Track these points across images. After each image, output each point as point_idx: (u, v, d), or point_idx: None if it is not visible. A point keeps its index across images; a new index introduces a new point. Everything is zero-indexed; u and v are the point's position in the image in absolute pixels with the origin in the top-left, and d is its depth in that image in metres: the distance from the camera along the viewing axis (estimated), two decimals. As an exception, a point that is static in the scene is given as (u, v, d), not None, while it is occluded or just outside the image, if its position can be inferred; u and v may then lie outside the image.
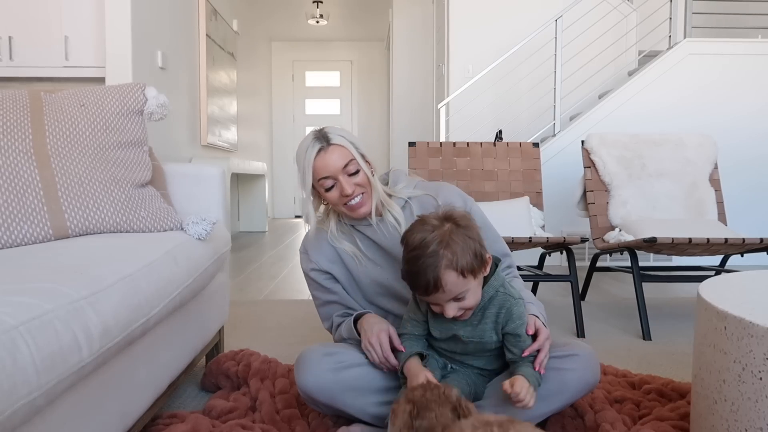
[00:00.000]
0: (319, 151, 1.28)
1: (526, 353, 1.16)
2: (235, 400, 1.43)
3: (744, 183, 3.91)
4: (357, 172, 1.30)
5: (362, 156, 1.32)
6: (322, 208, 1.40)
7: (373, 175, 1.33)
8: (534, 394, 1.10)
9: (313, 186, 1.31)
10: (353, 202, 1.30)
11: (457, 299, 1.11)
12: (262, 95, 7.84)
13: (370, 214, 1.34)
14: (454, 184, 1.51)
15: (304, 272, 1.43)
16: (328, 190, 1.29)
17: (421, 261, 1.09)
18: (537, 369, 1.15)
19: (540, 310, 1.29)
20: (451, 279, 1.08)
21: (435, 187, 1.42)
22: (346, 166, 1.28)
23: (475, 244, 1.11)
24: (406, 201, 1.39)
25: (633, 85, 4.01)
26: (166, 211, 1.46)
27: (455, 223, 1.12)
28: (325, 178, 1.28)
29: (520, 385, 1.08)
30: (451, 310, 1.12)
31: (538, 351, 1.17)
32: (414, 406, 0.95)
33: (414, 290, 1.15)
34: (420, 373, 1.15)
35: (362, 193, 1.31)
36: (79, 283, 0.90)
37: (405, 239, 1.14)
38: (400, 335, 1.26)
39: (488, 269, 1.16)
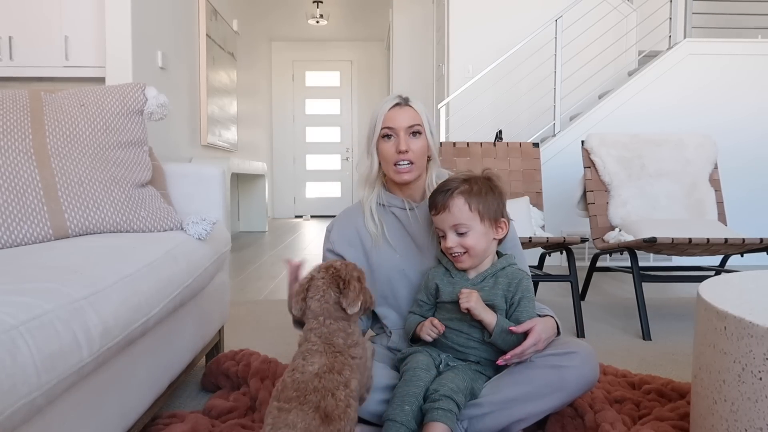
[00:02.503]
0: (395, 105, 1.38)
1: (507, 356, 1.20)
2: (235, 400, 1.43)
3: (744, 183, 3.91)
4: (419, 135, 1.37)
5: (431, 132, 1.40)
6: (373, 172, 1.43)
7: (435, 151, 1.42)
8: (477, 300, 1.19)
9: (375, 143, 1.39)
10: (402, 165, 1.36)
11: (459, 233, 1.24)
12: (262, 95, 7.84)
13: (410, 187, 1.41)
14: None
15: (323, 252, 1.50)
16: (385, 137, 1.37)
17: (444, 183, 1.28)
18: (508, 357, 1.20)
19: (552, 314, 1.34)
20: (459, 203, 1.24)
21: None
22: (411, 126, 1.37)
23: (495, 198, 1.27)
24: None
25: (633, 85, 4.01)
26: (166, 211, 1.46)
27: (488, 177, 1.29)
28: (389, 128, 1.36)
29: (471, 294, 1.19)
30: (452, 240, 1.25)
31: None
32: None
33: (430, 211, 1.30)
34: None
35: (412, 162, 1.37)
36: (79, 283, 0.90)
37: None
38: (409, 313, 1.36)
39: (501, 233, 1.28)
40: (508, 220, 1.32)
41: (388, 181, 1.46)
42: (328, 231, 1.50)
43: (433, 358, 1.26)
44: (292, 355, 1.07)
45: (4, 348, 0.67)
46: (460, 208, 1.24)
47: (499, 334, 1.20)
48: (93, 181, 1.36)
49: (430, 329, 1.25)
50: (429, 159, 1.43)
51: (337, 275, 1.11)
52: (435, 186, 1.40)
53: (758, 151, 3.98)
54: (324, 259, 1.48)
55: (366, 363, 1.12)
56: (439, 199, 1.27)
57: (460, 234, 1.25)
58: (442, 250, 1.31)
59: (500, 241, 1.32)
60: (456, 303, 1.24)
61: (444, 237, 1.27)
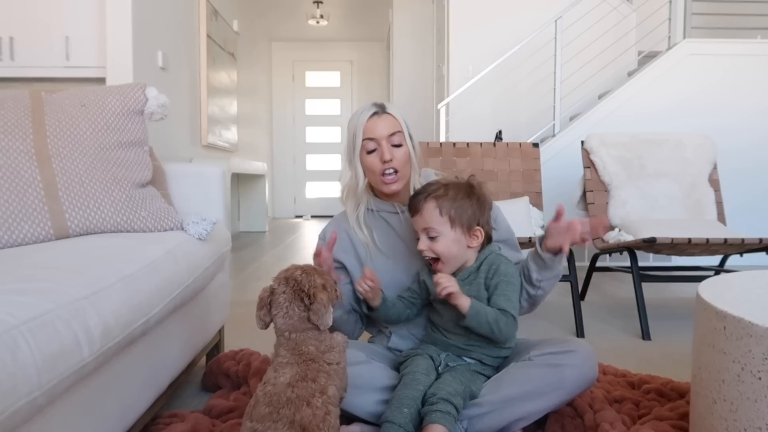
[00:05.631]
0: (373, 114, 1.37)
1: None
2: (236, 400, 1.43)
3: (743, 183, 3.91)
4: (400, 146, 1.37)
5: (410, 136, 1.40)
6: (360, 185, 1.42)
7: (415, 158, 1.40)
8: (453, 286, 1.19)
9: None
10: (389, 175, 1.36)
11: (430, 236, 1.25)
12: (262, 95, 7.84)
13: (399, 194, 1.41)
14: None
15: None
16: (369, 152, 1.36)
17: (424, 186, 1.29)
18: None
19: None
20: (430, 207, 1.25)
21: None
22: (392, 135, 1.36)
23: (471, 206, 1.26)
24: None
25: (633, 86, 4.01)
26: (166, 211, 1.46)
27: (470, 184, 1.29)
28: (371, 139, 1.36)
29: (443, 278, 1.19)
30: (422, 244, 1.26)
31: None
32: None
33: (408, 210, 1.31)
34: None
35: (397, 171, 1.37)
36: (79, 282, 0.90)
37: None
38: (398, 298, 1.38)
39: (476, 241, 1.27)
40: (491, 228, 1.31)
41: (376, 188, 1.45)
42: (322, 238, 1.48)
43: (433, 359, 1.26)
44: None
45: (5, 347, 0.67)
46: (430, 213, 1.25)
47: (474, 316, 1.20)
48: (93, 181, 1.36)
49: (362, 281, 1.29)
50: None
51: (300, 288, 1.04)
52: (419, 186, 1.41)
53: (758, 151, 3.98)
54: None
55: (344, 367, 1.08)
56: (414, 202, 1.28)
57: (431, 238, 1.25)
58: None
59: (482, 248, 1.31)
60: (444, 303, 1.25)
61: (419, 239, 1.29)
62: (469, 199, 1.26)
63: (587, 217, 1.63)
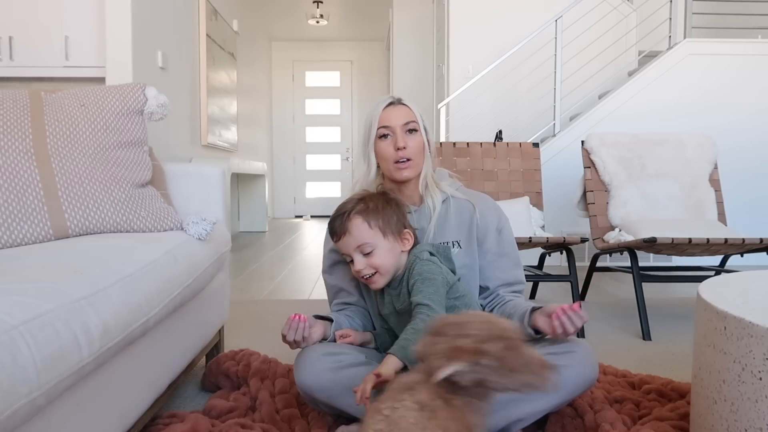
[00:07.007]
0: (389, 104, 1.39)
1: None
2: (235, 400, 1.43)
3: (743, 183, 3.91)
4: (415, 131, 1.38)
5: (425, 129, 1.40)
6: (371, 173, 1.42)
7: (429, 150, 1.40)
8: (369, 384, 1.00)
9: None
10: (401, 161, 1.36)
11: (365, 253, 1.23)
12: (262, 95, 7.84)
13: (409, 189, 1.40)
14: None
15: (324, 251, 1.49)
16: (382, 137, 1.37)
17: (338, 209, 1.27)
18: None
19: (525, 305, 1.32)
20: (357, 223, 1.23)
21: (474, 196, 1.47)
22: (407, 123, 1.37)
23: (394, 211, 1.27)
24: (446, 198, 1.43)
25: (633, 86, 4.01)
26: (166, 211, 1.46)
27: (382, 192, 1.32)
28: (385, 127, 1.37)
29: (359, 390, 1.01)
30: (359, 263, 1.24)
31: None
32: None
33: (332, 236, 1.29)
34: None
35: (411, 159, 1.36)
36: (79, 282, 0.90)
37: None
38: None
39: (408, 244, 1.27)
40: (413, 229, 1.30)
41: (387, 183, 1.45)
42: (330, 231, 1.49)
43: None
44: (291, 355, 1.05)
45: (5, 348, 0.67)
46: (359, 228, 1.23)
47: (405, 355, 1.05)
48: (93, 181, 1.36)
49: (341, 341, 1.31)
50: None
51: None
52: (433, 183, 1.42)
53: (758, 151, 3.98)
54: (326, 259, 1.48)
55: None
56: (337, 224, 1.26)
57: (366, 254, 1.24)
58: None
59: (410, 251, 1.29)
60: (391, 316, 1.29)
61: (351, 262, 1.26)
62: (389, 205, 1.27)
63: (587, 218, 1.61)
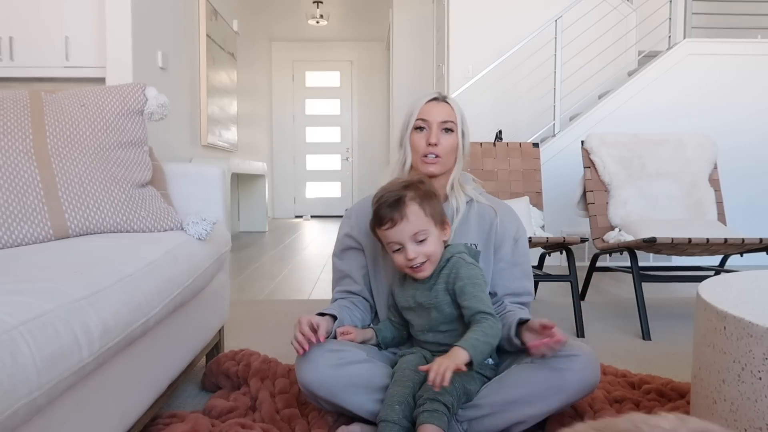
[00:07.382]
0: (432, 99, 1.40)
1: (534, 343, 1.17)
2: (235, 400, 1.43)
3: (743, 183, 3.91)
4: (451, 132, 1.39)
5: (463, 131, 1.41)
6: (407, 163, 1.42)
7: (462, 152, 1.41)
8: (450, 369, 1.06)
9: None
10: (430, 156, 1.37)
11: (418, 241, 1.21)
12: (262, 95, 7.84)
13: (439, 178, 1.40)
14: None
15: (338, 235, 1.49)
16: (418, 129, 1.39)
17: (388, 195, 1.22)
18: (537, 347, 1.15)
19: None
20: (414, 209, 1.21)
21: (497, 203, 1.48)
22: (444, 122, 1.38)
23: (437, 201, 1.26)
24: (470, 200, 1.44)
25: (633, 86, 4.01)
26: (166, 211, 1.46)
27: (421, 181, 1.28)
28: (423, 120, 1.38)
29: (433, 368, 1.07)
30: (412, 251, 1.21)
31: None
32: None
33: (380, 226, 1.23)
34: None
35: (440, 156, 1.37)
36: (79, 282, 0.90)
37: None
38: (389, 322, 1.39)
39: (447, 234, 1.29)
40: (447, 218, 1.31)
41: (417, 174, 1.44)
42: (347, 217, 1.49)
43: (425, 357, 1.27)
44: (292, 355, 1.06)
45: (5, 348, 0.67)
46: (417, 215, 1.21)
47: (476, 355, 1.12)
48: (93, 181, 1.36)
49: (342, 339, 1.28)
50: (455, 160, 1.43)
51: None
52: (459, 185, 1.43)
53: (758, 151, 3.98)
54: (339, 243, 1.48)
55: None
56: (390, 212, 1.21)
57: (420, 242, 1.22)
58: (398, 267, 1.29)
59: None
60: (412, 310, 1.28)
61: (400, 250, 1.23)
62: (433, 195, 1.27)
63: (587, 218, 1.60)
